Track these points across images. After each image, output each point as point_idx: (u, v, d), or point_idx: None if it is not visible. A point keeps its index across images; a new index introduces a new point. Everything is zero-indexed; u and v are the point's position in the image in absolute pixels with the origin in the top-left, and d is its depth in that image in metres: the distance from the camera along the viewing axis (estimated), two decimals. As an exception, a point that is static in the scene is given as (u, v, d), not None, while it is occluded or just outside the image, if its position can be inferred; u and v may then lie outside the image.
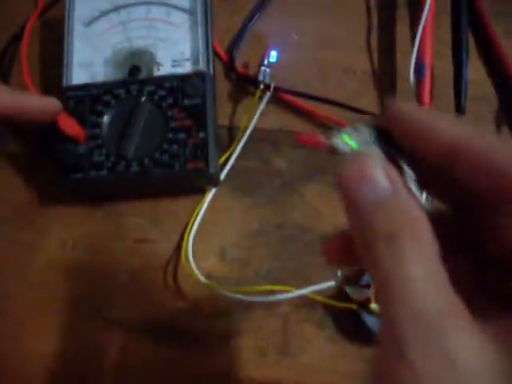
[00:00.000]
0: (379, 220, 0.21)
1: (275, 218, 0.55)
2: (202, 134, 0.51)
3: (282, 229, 0.55)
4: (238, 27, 0.62)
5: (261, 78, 0.55)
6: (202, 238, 0.54)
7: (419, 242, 0.20)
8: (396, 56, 0.60)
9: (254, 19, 0.60)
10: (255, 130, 0.56)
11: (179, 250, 0.53)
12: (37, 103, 0.46)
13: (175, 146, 0.51)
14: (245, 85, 0.59)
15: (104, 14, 0.59)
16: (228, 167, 0.56)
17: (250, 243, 0.54)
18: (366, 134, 0.24)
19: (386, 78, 0.59)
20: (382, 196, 0.22)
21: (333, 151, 0.24)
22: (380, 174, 0.22)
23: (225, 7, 0.61)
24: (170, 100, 0.53)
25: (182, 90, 0.53)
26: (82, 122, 0.52)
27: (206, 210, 0.55)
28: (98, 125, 0.53)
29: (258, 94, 0.56)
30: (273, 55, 0.55)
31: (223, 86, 0.59)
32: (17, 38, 0.63)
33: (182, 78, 0.53)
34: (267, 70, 0.56)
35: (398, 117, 0.24)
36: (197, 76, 0.53)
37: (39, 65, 0.62)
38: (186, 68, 0.56)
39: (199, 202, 0.55)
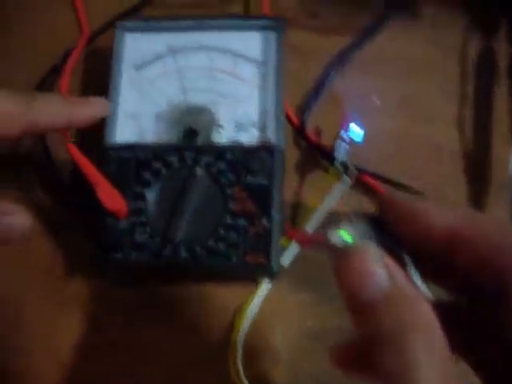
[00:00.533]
0: (382, 320, 0.21)
1: (336, 320, 0.47)
2: (265, 222, 0.43)
3: (343, 333, 0.47)
4: (310, 82, 0.53)
5: (337, 154, 0.47)
6: (252, 335, 0.46)
7: (427, 342, 0.20)
8: (493, 135, 0.51)
9: (332, 80, 0.51)
10: (324, 211, 0.48)
11: (225, 346, 0.45)
12: (90, 113, 0.40)
13: (234, 234, 0.43)
14: (315, 154, 0.51)
15: (158, 57, 0.50)
16: (288, 253, 0.47)
17: (306, 345, 0.46)
18: (363, 227, 0.24)
19: (479, 163, 0.50)
20: (383, 291, 0.22)
21: (329, 247, 0.24)
22: (379, 268, 0.22)
23: (295, 58, 0.52)
24: (231, 176, 0.44)
25: (245, 164, 0.45)
26: (123, 189, 0.44)
27: (259, 303, 0.46)
28: (143, 197, 0.44)
29: (332, 172, 0.47)
30: (354, 130, 0.46)
31: (290, 154, 0.50)
32: (56, 69, 0.55)
33: (247, 151, 0.45)
34: (345, 145, 0.47)
35: (392, 207, 0.25)
36: (265, 150, 0.45)
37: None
38: (252, 135, 0.47)
39: (251, 291, 0.47)
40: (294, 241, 0.27)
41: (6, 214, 0.29)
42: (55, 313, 0.47)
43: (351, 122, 0.47)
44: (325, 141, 0.51)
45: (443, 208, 0.24)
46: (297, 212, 0.50)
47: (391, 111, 0.52)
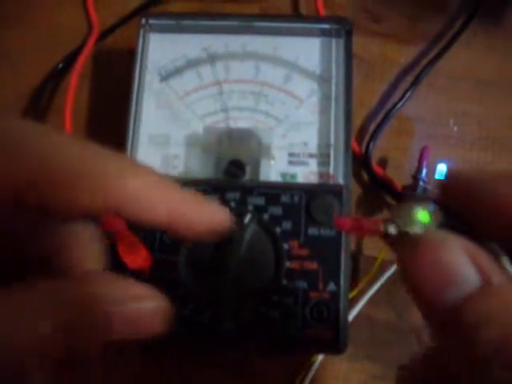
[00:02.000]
0: (476, 334, 0.16)
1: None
2: (331, 287, 0.34)
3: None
4: (373, 101, 0.43)
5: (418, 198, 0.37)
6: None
7: None
8: None
9: (401, 102, 0.41)
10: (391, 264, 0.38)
11: None
12: (206, 216, 0.24)
13: (290, 300, 0.34)
14: (380, 191, 0.41)
15: (191, 65, 0.40)
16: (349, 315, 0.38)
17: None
18: (436, 212, 0.19)
19: None
20: (472, 293, 0.17)
21: (387, 237, 0.19)
22: (464, 262, 0.17)
23: (358, 72, 0.42)
24: (288, 225, 0.35)
25: (306, 210, 0.35)
26: (147, 238, 0.34)
27: (313, 377, 0.37)
28: (174, 250, 0.34)
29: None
30: (439, 170, 0.37)
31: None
32: (60, 70, 0.44)
33: (309, 192, 0.35)
34: (427, 187, 0.38)
35: (465, 189, 0.19)
36: (331, 191, 0.35)
37: (86, 117, 0.43)
38: (310, 169, 0.37)
39: (304, 363, 0.37)
40: (340, 229, 0.20)
41: (135, 299, 0.20)
42: None
43: (438, 161, 0.37)
44: (389, 173, 0.41)
45: None
46: (358, 264, 0.40)
47: (472, 140, 0.43)
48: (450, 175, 0.20)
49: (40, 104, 0.44)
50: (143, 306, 0.20)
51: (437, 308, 0.17)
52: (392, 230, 0.19)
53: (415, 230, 0.19)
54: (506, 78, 0.45)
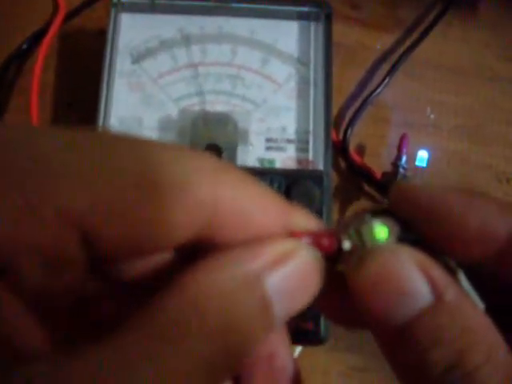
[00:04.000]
0: (427, 349, 0.15)
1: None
2: (312, 275, 0.32)
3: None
4: (350, 87, 0.42)
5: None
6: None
7: (492, 370, 0.15)
8: None
9: (378, 89, 0.41)
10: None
11: None
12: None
13: (270, 289, 0.32)
14: (357, 178, 0.40)
15: (165, 46, 0.38)
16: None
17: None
18: (390, 223, 0.17)
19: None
20: (426, 308, 0.16)
21: (339, 252, 0.17)
22: (415, 276, 0.16)
23: (336, 59, 0.41)
24: (267, 211, 0.33)
25: (286, 196, 0.34)
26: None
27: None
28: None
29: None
30: (421, 156, 0.36)
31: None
32: (24, 51, 0.42)
33: (288, 178, 0.34)
34: (406, 174, 0.37)
35: (410, 200, 0.17)
36: (311, 177, 0.34)
37: (52, 95, 0.41)
38: (288, 154, 0.36)
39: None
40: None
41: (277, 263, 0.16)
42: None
43: (417, 148, 0.37)
44: (367, 160, 0.40)
45: (495, 204, 0.17)
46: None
47: (450, 128, 0.42)
48: (398, 188, 0.18)
49: (3, 84, 0.42)
50: (298, 261, 0.16)
51: (387, 325, 0.16)
52: (347, 245, 0.17)
53: (371, 245, 0.17)
54: (482, 67, 0.45)
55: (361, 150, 0.41)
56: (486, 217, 0.17)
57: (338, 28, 0.42)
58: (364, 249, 0.17)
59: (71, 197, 0.14)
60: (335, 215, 0.40)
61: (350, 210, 0.40)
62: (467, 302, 0.16)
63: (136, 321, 0.14)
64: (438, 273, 0.16)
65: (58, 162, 0.14)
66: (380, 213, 0.18)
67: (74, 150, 0.14)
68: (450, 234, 0.17)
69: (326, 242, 0.17)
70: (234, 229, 0.16)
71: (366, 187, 0.40)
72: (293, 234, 0.17)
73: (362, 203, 0.40)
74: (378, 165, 0.40)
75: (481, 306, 0.17)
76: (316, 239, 0.17)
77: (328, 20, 0.39)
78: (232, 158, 0.36)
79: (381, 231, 0.17)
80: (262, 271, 0.15)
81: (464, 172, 0.42)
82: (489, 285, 0.18)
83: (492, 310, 0.17)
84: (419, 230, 0.18)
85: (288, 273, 0.16)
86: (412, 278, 0.16)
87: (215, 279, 0.15)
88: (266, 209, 0.17)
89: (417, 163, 0.37)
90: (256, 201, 0.16)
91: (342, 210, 0.40)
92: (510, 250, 0.17)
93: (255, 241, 0.16)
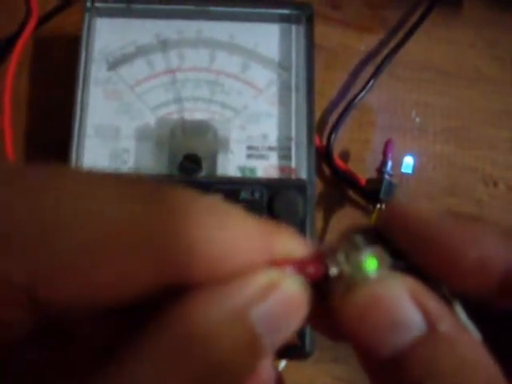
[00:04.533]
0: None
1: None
2: (296, 288, 0.31)
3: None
4: (334, 90, 0.41)
5: (384, 195, 0.36)
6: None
7: None
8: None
9: (362, 92, 0.40)
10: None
11: None
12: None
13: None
14: (342, 185, 0.39)
15: (142, 52, 0.37)
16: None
17: None
18: (380, 250, 0.16)
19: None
20: (417, 340, 0.15)
21: (326, 279, 0.16)
22: (407, 304, 0.15)
23: (318, 62, 0.40)
24: (249, 223, 0.32)
25: (268, 207, 0.33)
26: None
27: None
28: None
29: (375, 214, 0.36)
30: (407, 163, 0.35)
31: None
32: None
33: (271, 188, 0.33)
34: (392, 180, 0.36)
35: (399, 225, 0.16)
36: (294, 187, 0.33)
37: (25, 104, 0.40)
38: (270, 162, 0.35)
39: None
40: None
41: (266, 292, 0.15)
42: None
43: (403, 154, 0.36)
44: (352, 166, 0.40)
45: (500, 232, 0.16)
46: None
47: (435, 132, 0.42)
48: (389, 212, 0.17)
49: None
50: (283, 292, 0.15)
51: (376, 355, 0.15)
52: (334, 272, 0.16)
53: (361, 276, 0.16)
54: (466, 68, 0.44)
55: (345, 155, 0.40)
56: (486, 247, 0.16)
57: (318, 29, 0.41)
58: (353, 276, 0.16)
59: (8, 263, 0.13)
60: (319, 223, 0.39)
61: (335, 218, 0.39)
62: (464, 334, 0.16)
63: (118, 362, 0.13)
64: (431, 301, 0.16)
65: None
66: (369, 234, 0.17)
67: None
68: (445, 265, 0.16)
69: (311, 269, 0.16)
70: (214, 264, 0.15)
71: (351, 194, 0.40)
72: (277, 263, 0.16)
73: (347, 210, 0.39)
74: (363, 170, 0.39)
75: (478, 336, 0.16)
76: (301, 267, 0.16)
77: (310, 22, 0.38)
78: (212, 167, 0.35)
79: (371, 261, 0.16)
80: (247, 304, 0.14)
81: (450, 175, 0.41)
82: (485, 314, 0.17)
83: (488, 339, 0.16)
84: (412, 257, 0.17)
85: (273, 304, 0.15)
86: (403, 307, 0.15)
87: (201, 316, 0.14)
88: (248, 237, 0.15)
89: (403, 170, 0.36)
90: (235, 231, 0.15)
91: (326, 218, 0.39)
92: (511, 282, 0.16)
93: (240, 273, 0.15)
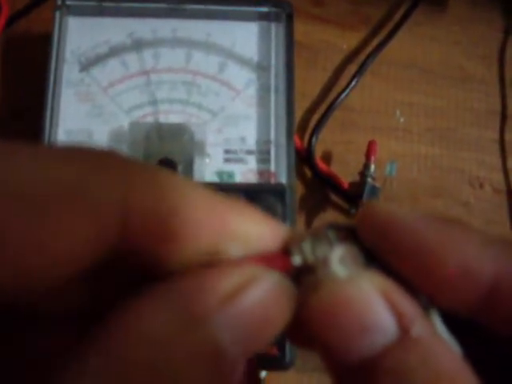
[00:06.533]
0: None
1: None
2: (275, 297, 0.30)
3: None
4: (315, 90, 0.40)
5: (367, 198, 0.35)
6: None
7: None
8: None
9: (345, 92, 0.39)
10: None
11: None
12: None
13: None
14: (323, 187, 0.38)
15: (115, 52, 0.36)
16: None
17: None
18: (354, 247, 0.15)
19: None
20: (386, 345, 0.13)
21: (294, 271, 0.15)
22: (378, 306, 0.14)
23: (299, 60, 0.39)
24: (226, 230, 0.31)
25: (246, 213, 0.31)
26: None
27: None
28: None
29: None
30: (391, 167, 0.34)
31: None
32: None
33: (249, 193, 0.32)
34: (374, 183, 0.35)
35: (378, 229, 0.15)
36: (273, 192, 0.32)
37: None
38: (249, 166, 0.34)
39: (249, 377, 0.34)
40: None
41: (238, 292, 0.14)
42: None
43: (386, 156, 0.35)
44: (334, 168, 0.38)
45: (481, 241, 0.14)
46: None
47: (419, 131, 0.41)
48: (365, 212, 0.16)
49: None
50: (256, 293, 0.14)
51: (344, 359, 0.14)
52: (297, 261, 0.15)
53: (326, 272, 0.15)
54: (450, 67, 0.43)
55: (327, 157, 0.39)
56: (467, 254, 0.14)
57: (299, 27, 0.40)
58: (317, 269, 0.15)
59: None
60: (301, 227, 0.38)
61: (316, 222, 0.38)
62: (440, 341, 0.14)
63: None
64: (404, 302, 0.14)
65: None
66: (346, 232, 0.16)
67: None
68: (422, 272, 0.15)
69: (278, 261, 0.15)
70: (151, 221, 0.13)
71: (333, 197, 0.38)
72: (245, 260, 0.14)
73: (329, 214, 0.38)
74: (346, 173, 0.38)
75: (457, 350, 0.15)
76: (267, 260, 0.15)
77: (289, 20, 0.37)
78: (188, 172, 0.34)
79: (339, 257, 0.15)
80: (208, 309, 0.13)
81: (436, 177, 0.40)
82: (467, 333, 0.15)
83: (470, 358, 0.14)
84: (387, 261, 0.15)
85: (244, 307, 0.13)
86: (373, 308, 0.14)
87: (146, 325, 0.12)
88: (192, 200, 0.14)
89: (386, 172, 0.35)
90: (176, 192, 0.13)
91: (308, 222, 0.38)
92: (496, 295, 0.14)
93: (201, 270, 0.13)
